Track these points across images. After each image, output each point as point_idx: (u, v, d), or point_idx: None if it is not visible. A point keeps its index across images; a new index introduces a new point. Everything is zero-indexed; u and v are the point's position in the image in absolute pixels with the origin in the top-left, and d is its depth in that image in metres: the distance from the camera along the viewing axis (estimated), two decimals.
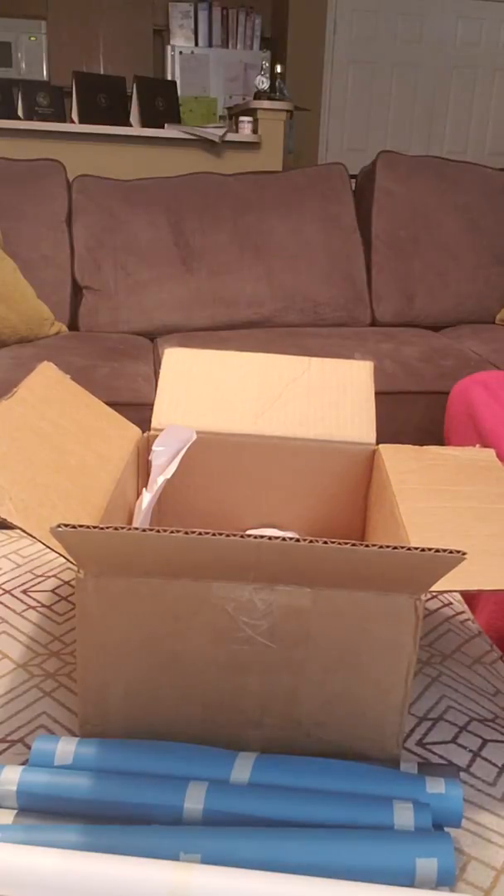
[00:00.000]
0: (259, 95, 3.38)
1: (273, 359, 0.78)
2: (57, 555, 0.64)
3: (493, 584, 0.50)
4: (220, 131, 3.14)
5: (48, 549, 0.76)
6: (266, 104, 3.29)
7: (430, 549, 0.42)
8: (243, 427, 0.73)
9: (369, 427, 0.73)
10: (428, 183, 2.40)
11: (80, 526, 0.43)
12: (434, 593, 0.76)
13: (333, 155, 5.02)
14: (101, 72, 4.93)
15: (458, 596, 0.78)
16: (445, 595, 0.77)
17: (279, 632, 0.49)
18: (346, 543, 0.43)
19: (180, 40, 4.95)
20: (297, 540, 0.43)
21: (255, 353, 0.78)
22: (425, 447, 0.72)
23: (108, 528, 0.43)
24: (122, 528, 0.43)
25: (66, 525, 0.42)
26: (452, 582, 0.48)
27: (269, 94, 3.40)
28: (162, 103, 3.26)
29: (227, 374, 0.77)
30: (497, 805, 0.51)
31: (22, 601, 0.72)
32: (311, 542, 0.43)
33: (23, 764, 0.50)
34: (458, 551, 0.42)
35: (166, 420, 0.73)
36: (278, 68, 3.55)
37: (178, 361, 0.78)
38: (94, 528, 0.43)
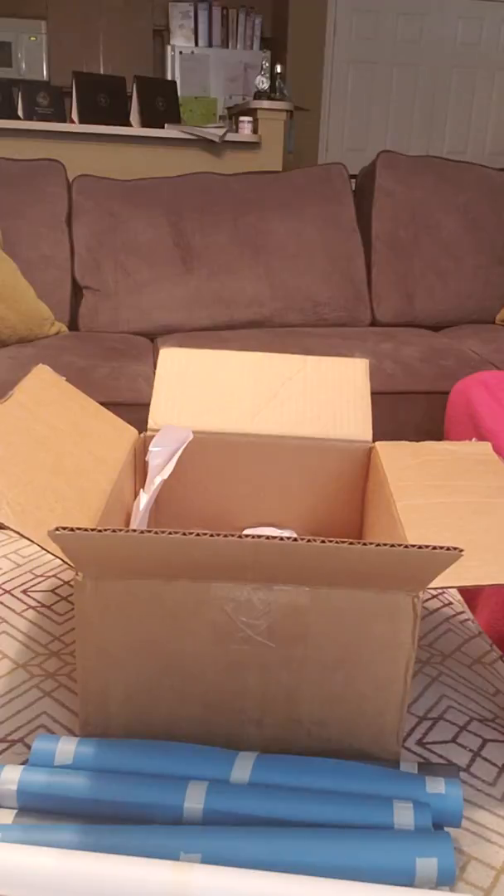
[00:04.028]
0: (259, 95, 3.37)
1: (269, 357, 0.78)
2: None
3: (491, 579, 0.50)
4: (220, 131, 3.14)
5: None
6: (266, 104, 3.29)
7: (427, 547, 0.42)
8: (240, 426, 0.73)
9: (365, 424, 0.73)
10: (428, 183, 2.40)
11: (78, 529, 0.42)
12: (433, 592, 0.76)
13: (333, 155, 5.02)
14: (101, 72, 4.94)
15: (458, 596, 0.78)
16: (445, 595, 0.77)
17: (278, 631, 0.49)
18: (344, 542, 0.43)
19: (180, 40, 4.94)
20: (295, 539, 0.43)
21: (250, 352, 0.78)
22: (422, 443, 0.72)
23: (105, 530, 0.43)
24: (120, 530, 0.43)
25: (63, 528, 0.42)
26: (450, 578, 0.48)
27: (269, 94, 3.40)
28: (162, 103, 3.26)
29: (223, 373, 0.77)
30: (497, 805, 0.51)
31: (22, 601, 0.72)
32: (308, 541, 0.43)
33: (23, 764, 0.50)
34: (455, 548, 0.42)
35: (163, 420, 0.73)
36: (278, 68, 3.54)
37: (173, 361, 0.78)
38: (92, 530, 0.43)
